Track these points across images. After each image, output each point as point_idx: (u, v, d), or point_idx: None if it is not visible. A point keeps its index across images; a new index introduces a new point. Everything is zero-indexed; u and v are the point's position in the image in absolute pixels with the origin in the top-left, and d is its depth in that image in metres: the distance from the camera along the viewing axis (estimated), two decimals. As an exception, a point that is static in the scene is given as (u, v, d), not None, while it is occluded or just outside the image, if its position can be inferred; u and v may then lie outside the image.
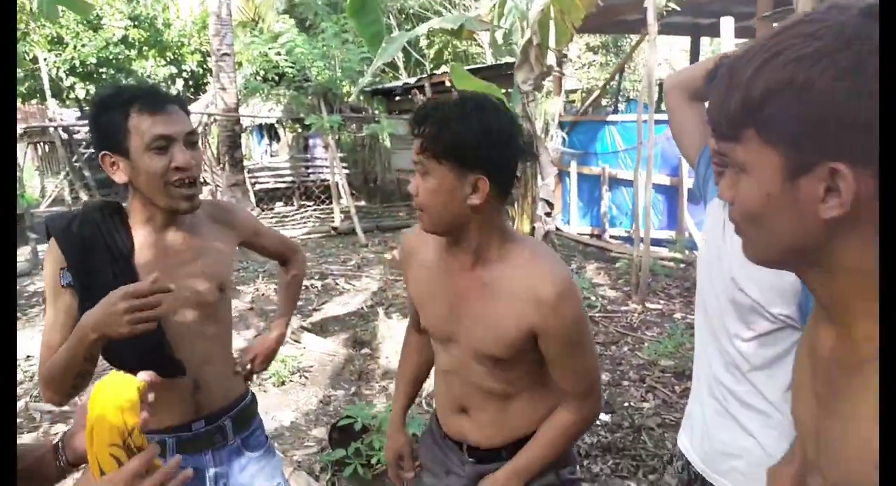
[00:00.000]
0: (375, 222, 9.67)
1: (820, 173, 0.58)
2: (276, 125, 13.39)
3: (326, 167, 11.48)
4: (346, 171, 11.38)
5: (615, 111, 10.70)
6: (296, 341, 4.68)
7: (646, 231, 5.41)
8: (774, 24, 3.94)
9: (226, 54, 8.40)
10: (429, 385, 3.76)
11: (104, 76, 13.26)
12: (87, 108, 13.69)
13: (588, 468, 2.93)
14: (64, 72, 13.12)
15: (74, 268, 1.37)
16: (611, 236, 8.13)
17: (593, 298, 5.48)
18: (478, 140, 1.16)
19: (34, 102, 14.68)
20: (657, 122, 5.28)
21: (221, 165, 11.03)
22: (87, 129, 10.90)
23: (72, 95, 13.77)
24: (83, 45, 12.78)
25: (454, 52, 14.40)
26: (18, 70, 11.52)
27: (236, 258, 1.79)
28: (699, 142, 1.55)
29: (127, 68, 13.45)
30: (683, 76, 1.62)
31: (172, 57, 14.27)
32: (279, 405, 3.76)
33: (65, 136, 10.63)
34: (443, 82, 9.68)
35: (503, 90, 5.60)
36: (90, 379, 1.36)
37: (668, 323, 4.88)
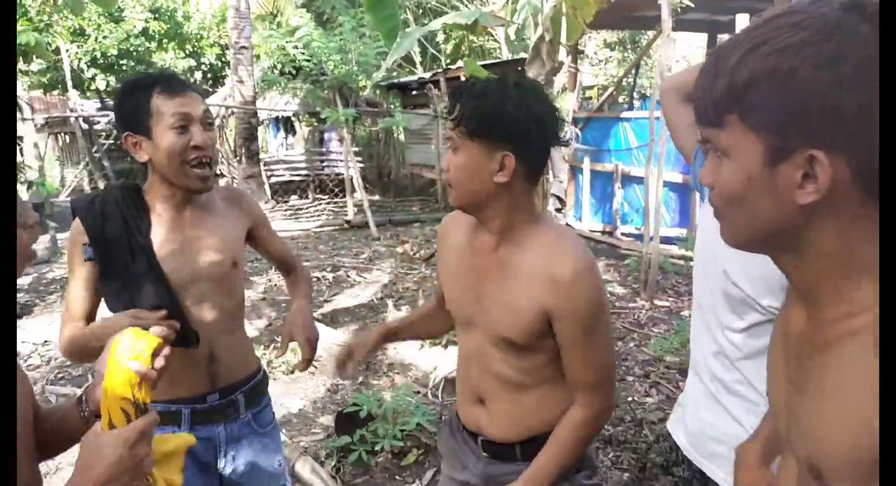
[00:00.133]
0: (388, 216, 9.71)
1: (798, 160, 0.61)
2: (293, 118, 13.49)
3: (341, 161, 11.57)
4: (361, 165, 11.46)
5: (630, 108, 10.64)
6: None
7: (656, 228, 5.41)
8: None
9: (244, 47, 8.48)
10: (437, 377, 3.84)
11: (124, 68, 13.47)
12: (107, 99, 13.92)
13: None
14: (85, 63, 13.34)
15: (95, 241, 1.48)
16: (622, 233, 8.10)
17: (602, 294, 5.48)
18: (507, 116, 1.17)
19: (55, 92, 14.95)
20: (670, 119, 5.26)
21: (238, 158, 11.17)
22: (106, 120, 11.12)
23: (92, 87, 13.99)
24: (104, 37, 12.98)
25: (470, 47, 14.39)
26: (41, 61, 11.71)
27: (248, 250, 1.85)
28: (694, 141, 1.59)
29: (147, 60, 13.64)
30: (679, 79, 1.65)
31: (191, 49, 14.45)
32: (288, 392, 3.83)
33: (85, 126, 10.81)
34: (458, 77, 9.71)
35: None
36: None
37: (676, 320, 4.88)
